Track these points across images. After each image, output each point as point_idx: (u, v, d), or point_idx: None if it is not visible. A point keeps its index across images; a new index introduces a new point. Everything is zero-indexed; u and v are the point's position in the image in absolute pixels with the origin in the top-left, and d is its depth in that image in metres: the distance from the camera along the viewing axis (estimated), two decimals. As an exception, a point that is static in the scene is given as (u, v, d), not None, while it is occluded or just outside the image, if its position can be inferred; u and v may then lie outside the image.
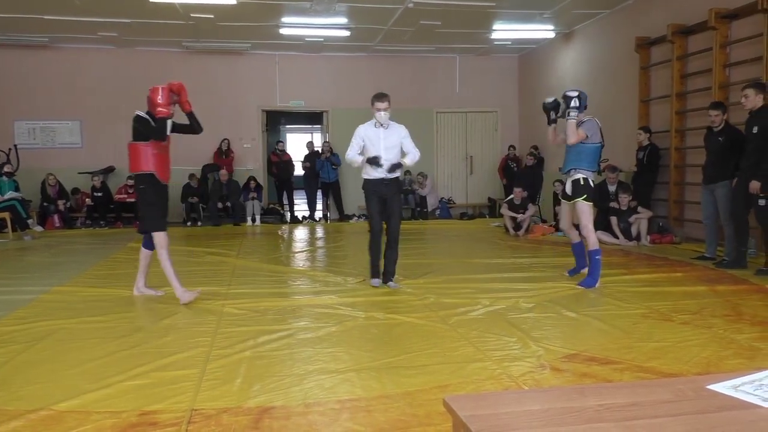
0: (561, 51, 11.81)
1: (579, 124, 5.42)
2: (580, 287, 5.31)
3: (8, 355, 3.61)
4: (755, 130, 5.72)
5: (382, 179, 5.47)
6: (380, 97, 5.71)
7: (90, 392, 2.98)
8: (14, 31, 10.92)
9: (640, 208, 8.24)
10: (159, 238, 5.05)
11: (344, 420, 2.63)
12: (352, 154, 5.63)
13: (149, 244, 5.22)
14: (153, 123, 5.00)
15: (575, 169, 5.49)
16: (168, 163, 5.22)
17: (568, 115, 5.34)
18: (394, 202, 5.54)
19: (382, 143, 5.58)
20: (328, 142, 12.73)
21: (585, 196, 5.45)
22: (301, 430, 2.53)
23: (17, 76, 12.01)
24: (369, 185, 5.54)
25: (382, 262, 5.59)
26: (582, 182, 5.45)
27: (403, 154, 5.77)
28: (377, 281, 5.53)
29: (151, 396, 2.91)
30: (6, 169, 10.47)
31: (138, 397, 2.91)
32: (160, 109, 4.92)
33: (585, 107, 5.52)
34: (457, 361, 3.41)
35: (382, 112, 5.64)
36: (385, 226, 5.56)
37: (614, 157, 9.63)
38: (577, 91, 5.55)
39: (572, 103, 5.37)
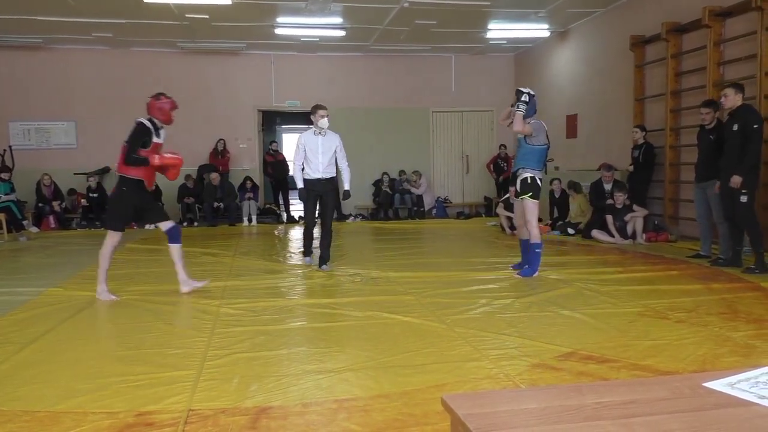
0: (556, 50, 11.83)
1: (533, 122, 5.84)
2: (518, 276, 5.74)
3: (4, 355, 3.60)
4: (735, 127, 5.80)
5: (319, 179, 6.36)
6: (321, 107, 6.59)
7: (86, 393, 2.97)
8: (8, 32, 10.88)
9: (635, 207, 8.26)
10: (112, 236, 5.15)
11: (341, 420, 2.63)
12: (297, 169, 6.47)
13: (176, 238, 5.32)
14: (153, 133, 5.20)
15: (523, 168, 5.83)
16: (155, 172, 5.25)
17: (517, 108, 5.77)
18: (329, 199, 6.49)
19: (320, 149, 6.39)
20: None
21: (531, 194, 5.79)
22: (298, 430, 2.53)
23: (11, 77, 11.97)
24: (307, 184, 6.39)
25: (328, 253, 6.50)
26: (529, 180, 5.79)
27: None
28: (309, 259, 6.72)
29: (148, 396, 2.91)
30: (2, 176, 10.40)
31: (135, 397, 2.90)
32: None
33: (534, 112, 5.92)
34: (454, 360, 3.41)
35: (325, 119, 6.47)
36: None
37: (610, 155, 9.67)
38: (528, 88, 6.04)
39: (523, 98, 5.85)
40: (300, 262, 6.94)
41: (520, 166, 5.87)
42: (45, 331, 4.13)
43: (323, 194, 6.45)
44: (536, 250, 5.77)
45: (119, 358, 3.54)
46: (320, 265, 6.46)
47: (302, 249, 6.98)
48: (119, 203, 5.16)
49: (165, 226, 5.30)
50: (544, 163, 5.92)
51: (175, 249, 5.30)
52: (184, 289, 5.30)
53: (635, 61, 9.19)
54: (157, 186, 11.74)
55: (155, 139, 5.15)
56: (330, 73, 13.12)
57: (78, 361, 3.49)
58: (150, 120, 5.14)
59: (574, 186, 9.49)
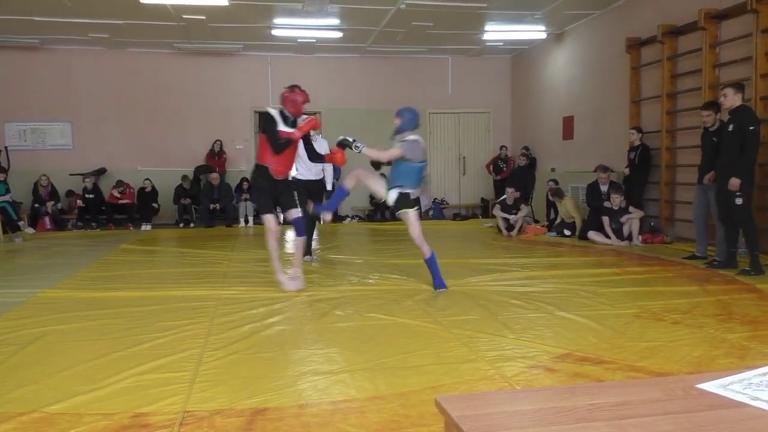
0: (553, 51, 11.86)
1: (403, 142, 5.45)
2: (439, 290, 5.35)
3: (-1, 358, 3.60)
4: (731, 128, 5.80)
5: (311, 180, 6.99)
6: None
7: (82, 394, 2.97)
8: (4, 33, 10.86)
9: (631, 208, 8.28)
10: (266, 223, 5.43)
11: (337, 421, 2.63)
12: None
13: (300, 231, 5.52)
14: (283, 123, 5.33)
15: (399, 186, 5.49)
16: (288, 162, 5.49)
17: (358, 149, 5.38)
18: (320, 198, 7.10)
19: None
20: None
21: (406, 206, 5.50)
22: (294, 431, 2.53)
23: (7, 78, 11.95)
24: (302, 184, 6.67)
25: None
26: (402, 196, 5.48)
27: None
28: (309, 258, 7.01)
29: (144, 398, 2.90)
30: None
31: (130, 398, 2.90)
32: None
33: (417, 126, 5.57)
34: (450, 362, 3.41)
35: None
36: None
37: (606, 157, 9.69)
38: (409, 109, 5.63)
39: (355, 143, 5.38)
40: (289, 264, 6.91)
41: (395, 185, 5.53)
42: (40, 333, 4.11)
43: (315, 194, 7.02)
44: (434, 262, 5.50)
45: (115, 359, 3.53)
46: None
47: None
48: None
49: (291, 214, 5.50)
50: (420, 179, 5.66)
51: (297, 242, 5.59)
52: (290, 286, 5.36)
53: (631, 63, 9.22)
54: (153, 186, 11.78)
55: (282, 128, 5.29)
56: (327, 75, 13.12)
57: (73, 363, 3.48)
58: (280, 111, 5.40)
59: (557, 193, 9.50)
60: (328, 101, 13.18)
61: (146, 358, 3.52)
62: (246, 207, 11.95)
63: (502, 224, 9.81)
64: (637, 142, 8.66)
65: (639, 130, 8.75)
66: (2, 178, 10.38)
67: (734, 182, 5.70)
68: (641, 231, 8.24)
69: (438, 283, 5.45)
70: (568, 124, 11.34)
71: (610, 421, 1.01)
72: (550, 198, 9.71)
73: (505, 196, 10.00)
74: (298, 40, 11.63)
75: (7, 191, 10.30)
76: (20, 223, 10.52)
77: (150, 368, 3.34)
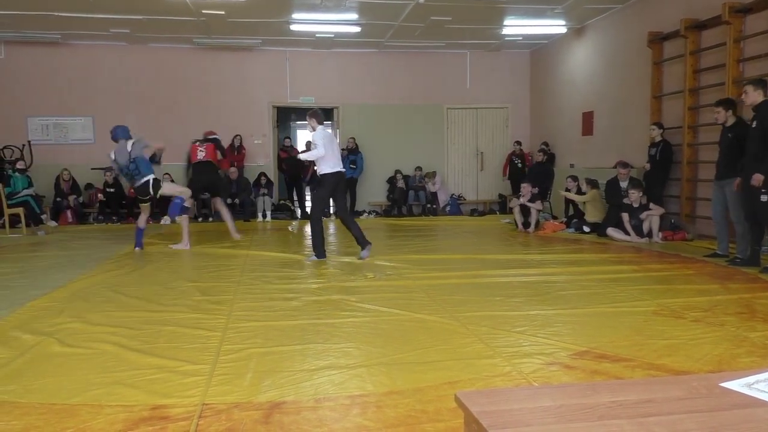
0: (572, 46, 11.74)
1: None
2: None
3: (20, 348, 3.65)
4: (754, 124, 5.74)
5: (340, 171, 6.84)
6: None
7: (102, 386, 3.00)
8: (27, 28, 11.01)
9: (651, 205, 8.17)
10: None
11: (354, 415, 2.63)
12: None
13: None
14: None
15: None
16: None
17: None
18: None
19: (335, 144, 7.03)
20: (353, 138, 12.71)
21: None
22: (311, 425, 2.54)
23: (30, 73, 12.11)
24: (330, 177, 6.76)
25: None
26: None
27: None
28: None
29: (163, 390, 2.93)
30: (18, 165, 10.57)
31: (149, 391, 2.93)
32: None
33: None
34: (467, 358, 3.40)
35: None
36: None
37: (626, 153, 9.59)
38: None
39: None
40: (310, 258, 6.94)
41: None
42: (60, 325, 4.18)
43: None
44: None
45: (134, 351, 3.57)
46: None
47: (316, 249, 6.88)
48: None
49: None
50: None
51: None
52: None
53: (653, 58, 9.09)
54: (172, 181, 11.87)
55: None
56: (344, 70, 13.14)
57: (93, 355, 3.53)
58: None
59: (591, 181, 9.44)
60: (346, 96, 13.20)
61: (165, 351, 3.55)
62: (264, 201, 12.01)
63: (519, 219, 9.75)
64: (658, 138, 8.55)
65: (660, 125, 8.63)
66: (23, 167, 10.55)
67: (758, 178, 5.61)
68: (661, 228, 8.14)
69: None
70: (588, 119, 11.23)
71: (633, 419, 0.99)
72: (583, 187, 9.57)
73: (521, 192, 9.94)
74: (317, 35, 11.64)
75: (30, 185, 10.48)
76: (43, 217, 10.69)
77: (168, 361, 3.37)
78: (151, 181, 7.68)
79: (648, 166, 8.67)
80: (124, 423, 2.57)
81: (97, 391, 2.93)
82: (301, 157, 7.34)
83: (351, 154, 12.43)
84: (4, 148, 11.81)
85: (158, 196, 7.95)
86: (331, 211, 10.83)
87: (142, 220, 8.04)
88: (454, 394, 2.66)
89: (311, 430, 2.48)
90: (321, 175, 6.89)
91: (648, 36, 9.04)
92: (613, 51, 10.44)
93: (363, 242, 6.90)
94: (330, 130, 12.13)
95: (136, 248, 7.83)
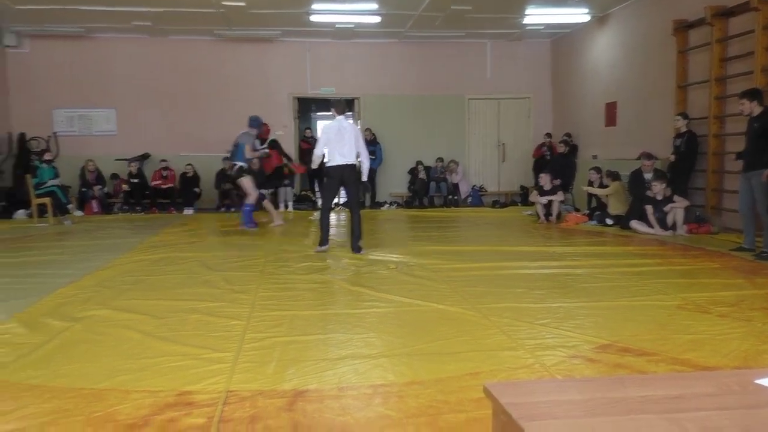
0: (595, 35, 11.57)
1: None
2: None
3: (50, 334, 3.73)
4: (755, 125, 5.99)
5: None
6: None
7: (129, 372, 3.06)
8: (52, 22, 11.15)
9: (676, 197, 8.05)
10: None
11: (377, 405, 2.65)
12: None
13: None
14: None
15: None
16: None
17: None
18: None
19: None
20: (369, 129, 12.72)
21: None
22: (334, 413, 2.56)
23: (55, 66, 12.28)
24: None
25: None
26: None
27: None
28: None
29: (188, 377, 2.98)
30: (46, 156, 10.75)
31: (175, 377, 2.98)
32: None
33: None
34: (489, 349, 3.40)
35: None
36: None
37: (650, 144, 9.45)
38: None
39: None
40: (332, 249, 6.98)
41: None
42: (87, 312, 4.26)
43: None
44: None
45: (159, 339, 3.63)
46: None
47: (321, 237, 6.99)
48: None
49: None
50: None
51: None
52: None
53: (678, 47, 8.93)
54: (195, 172, 12.01)
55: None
56: (364, 61, 13.11)
57: (119, 341, 3.60)
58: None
59: (611, 174, 9.35)
60: (367, 87, 13.18)
61: (190, 339, 3.61)
62: (285, 192, 12.06)
63: (541, 211, 9.68)
64: (683, 129, 8.42)
65: (685, 116, 8.49)
66: (50, 158, 10.72)
67: None
68: (686, 221, 8.02)
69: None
70: (611, 110, 11.08)
71: (662, 414, 0.99)
72: (603, 180, 9.47)
73: (542, 184, 9.87)
74: (337, 26, 11.62)
75: (57, 175, 10.65)
76: (69, 206, 10.87)
77: (193, 348, 3.42)
78: (236, 166, 8.88)
79: (673, 157, 8.54)
80: (150, 408, 2.62)
81: (124, 377, 2.99)
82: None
83: (369, 145, 12.39)
84: (31, 139, 12.01)
85: (235, 180, 9.20)
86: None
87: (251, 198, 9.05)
88: (481, 384, 2.66)
89: (334, 419, 2.51)
90: (326, 167, 6.93)
91: (673, 24, 8.88)
92: (636, 40, 10.27)
93: (355, 240, 6.77)
94: (351, 121, 12.14)
95: (245, 227, 8.85)
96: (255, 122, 9.09)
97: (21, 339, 3.65)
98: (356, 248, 6.70)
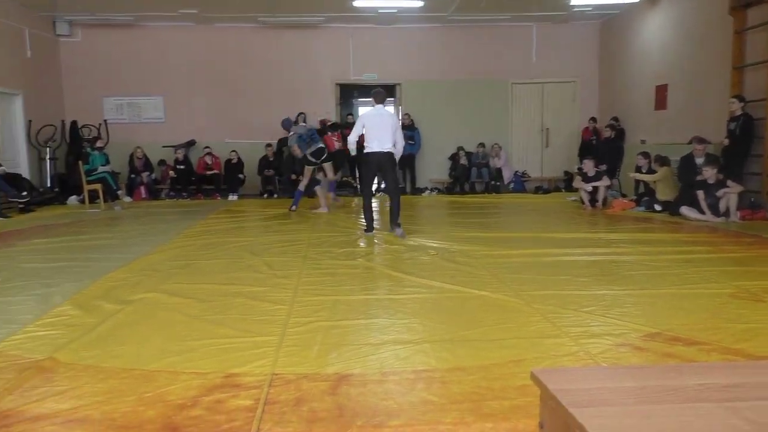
0: (646, 16, 11.19)
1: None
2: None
3: (102, 316, 3.86)
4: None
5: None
6: None
7: (178, 354, 3.14)
8: (102, 11, 11.44)
9: (729, 182, 7.76)
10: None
11: (420, 390, 2.65)
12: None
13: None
14: None
15: None
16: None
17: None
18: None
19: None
20: (408, 114, 12.67)
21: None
22: (377, 398, 2.58)
23: (106, 55, 12.61)
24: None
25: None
26: None
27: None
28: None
29: (235, 359, 3.04)
30: (98, 144, 11.08)
31: (222, 360, 3.04)
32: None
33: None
34: (532, 337, 3.36)
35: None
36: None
37: (704, 128, 9.12)
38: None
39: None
40: (375, 236, 7.01)
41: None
42: (137, 295, 4.38)
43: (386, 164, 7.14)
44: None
45: (206, 322, 3.71)
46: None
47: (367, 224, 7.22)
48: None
49: None
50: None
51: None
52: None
53: (734, 27, 8.56)
54: (239, 158, 12.19)
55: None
56: (407, 46, 13.02)
57: (169, 324, 3.69)
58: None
59: (660, 158, 9.07)
60: (409, 73, 13.09)
61: (235, 323, 3.67)
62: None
63: (585, 197, 9.49)
64: (739, 112, 8.09)
65: (741, 98, 8.15)
66: (102, 145, 11.05)
67: None
68: (740, 207, 7.73)
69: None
70: (662, 93, 10.73)
71: (721, 403, 0.95)
72: (652, 165, 9.22)
73: (585, 170, 9.65)
74: (379, 11, 11.56)
75: (107, 162, 10.98)
76: (119, 192, 11.20)
77: (239, 332, 3.49)
78: (324, 149, 9.47)
79: (726, 141, 8.23)
80: (198, 389, 2.68)
81: (173, 358, 3.07)
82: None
83: (408, 131, 12.34)
84: (83, 127, 12.40)
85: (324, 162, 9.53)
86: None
87: (303, 183, 9.46)
88: (525, 372, 2.64)
89: (378, 403, 2.52)
90: (363, 154, 7.06)
91: (729, 3, 8.51)
92: (690, 20, 9.89)
93: (394, 219, 6.99)
94: (391, 108, 12.09)
95: (293, 207, 9.41)
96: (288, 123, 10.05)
97: (75, 321, 3.79)
98: (395, 226, 6.93)
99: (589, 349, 3.14)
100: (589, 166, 9.56)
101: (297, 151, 9.35)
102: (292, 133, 9.51)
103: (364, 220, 7.30)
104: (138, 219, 9.02)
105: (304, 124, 10.34)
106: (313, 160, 9.30)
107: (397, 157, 7.15)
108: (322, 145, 9.35)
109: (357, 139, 7.09)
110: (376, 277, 4.95)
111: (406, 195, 12.20)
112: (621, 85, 12.28)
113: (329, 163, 9.57)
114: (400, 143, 7.05)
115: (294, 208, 9.40)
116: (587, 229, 7.41)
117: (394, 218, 6.98)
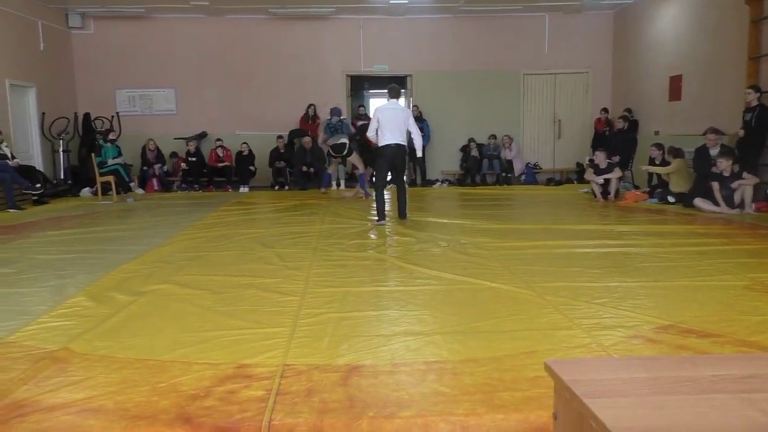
0: (660, 5, 11.06)
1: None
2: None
3: (116, 307, 3.89)
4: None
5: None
6: None
7: (190, 345, 3.16)
8: (114, 3, 11.48)
9: (745, 174, 7.67)
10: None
11: (431, 381, 2.65)
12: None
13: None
14: None
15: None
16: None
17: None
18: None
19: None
20: (416, 105, 12.63)
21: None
22: (388, 389, 2.58)
23: (118, 47, 12.65)
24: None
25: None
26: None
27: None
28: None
29: (246, 350, 3.05)
30: (111, 136, 11.15)
31: (234, 351, 3.06)
32: None
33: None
34: (544, 328, 3.35)
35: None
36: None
37: (719, 119, 9.02)
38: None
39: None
40: (385, 226, 7.01)
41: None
42: (150, 286, 4.41)
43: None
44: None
45: (218, 313, 3.73)
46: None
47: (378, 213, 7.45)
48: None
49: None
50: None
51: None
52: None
53: (751, 16, 8.43)
54: (250, 150, 12.21)
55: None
56: (418, 37, 12.95)
57: (181, 315, 3.72)
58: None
59: (673, 150, 8.97)
60: (420, 64, 13.03)
61: (247, 314, 3.69)
62: (338, 170, 12.13)
63: (597, 189, 9.42)
64: (755, 103, 7.98)
65: (757, 89, 8.04)
66: (114, 138, 11.12)
67: None
68: (755, 199, 7.65)
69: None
70: (676, 83, 10.61)
71: (737, 395, 0.94)
72: (665, 157, 9.13)
73: (596, 161, 9.58)
74: (390, 2, 11.51)
75: (119, 154, 11.04)
76: (131, 184, 11.28)
77: (251, 323, 3.50)
78: (347, 144, 10.16)
79: (742, 132, 8.13)
80: (211, 380, 2.70)
81: (185, 349, 3.09)
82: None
83: (416, 122, 12.28)
84: (95, 119, 12.47)
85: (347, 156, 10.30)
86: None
87: (332, 168, 10.54)
88: (537, 363, 2.63)
89: (389, 394, 2.53)
90: (378, 146, 7.38)
91: (746, -8, 8.39)
92: (705, 9, 9.76)
93: (402, 209, 7.49)
94: (403, 102, 12.06)
95: (323, 189, 10.67)
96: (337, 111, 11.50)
97: (89, 312, 3.82)
98: (403, 214, 7.43)
99: (602, 340, 3.12)
100: (600, 158, 9.49)
101: (321, 138, 10.01)
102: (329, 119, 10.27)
103: (375, 212, 7.42)
104: (150, 211, 9.08)
105: (342, 117, 11.49)
106: (332, 153, 9.70)
107: (419, 148, 7.61)
108: (345, 141, 9.72)
109: (375, 133, 7.35)
110: (386, 269, 4.96)
111: (417, 187, 12.19)
112: (634, 76, 12.15)
113: (357, 156, 10.15)
114: (418, 135, 7.45)
115: (365, 193, 10.08)
116: (599, 221, 7.36)
117: (402, 208, 7.47)
